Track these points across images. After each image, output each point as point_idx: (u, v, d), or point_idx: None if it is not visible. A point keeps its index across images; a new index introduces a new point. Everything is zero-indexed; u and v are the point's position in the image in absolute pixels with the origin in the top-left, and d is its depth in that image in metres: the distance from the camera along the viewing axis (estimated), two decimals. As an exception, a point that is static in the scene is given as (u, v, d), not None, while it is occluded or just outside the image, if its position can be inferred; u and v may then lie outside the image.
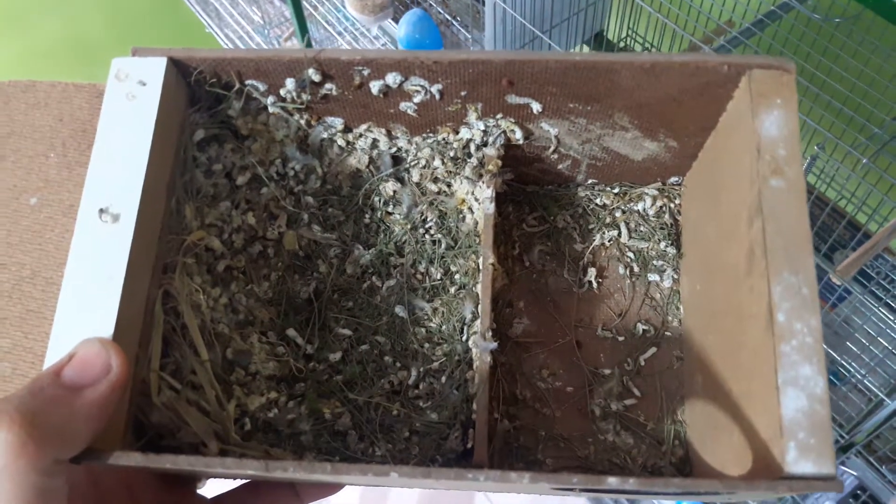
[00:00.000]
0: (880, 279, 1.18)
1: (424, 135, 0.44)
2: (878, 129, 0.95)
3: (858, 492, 1.13)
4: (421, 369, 0.42)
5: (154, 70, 0.36)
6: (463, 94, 0.40)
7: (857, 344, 1.18)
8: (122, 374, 0.30)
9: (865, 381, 1.12)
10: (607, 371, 0.45)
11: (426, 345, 0.43)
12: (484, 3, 1.17)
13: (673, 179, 0.47)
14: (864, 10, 0.92)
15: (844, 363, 1.13)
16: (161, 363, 0.35)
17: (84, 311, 0.32)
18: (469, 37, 1.41)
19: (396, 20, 1.34)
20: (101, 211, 0.33)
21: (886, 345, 1.17)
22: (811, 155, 0.97)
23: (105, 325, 0.32)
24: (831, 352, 1.09)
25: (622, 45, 1.33)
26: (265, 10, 1.76)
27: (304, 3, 1.53)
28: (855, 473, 1.10)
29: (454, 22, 1.44)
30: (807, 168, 0.99)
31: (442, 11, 1.45)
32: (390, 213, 0.45)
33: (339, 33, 1.66)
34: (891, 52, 0.99)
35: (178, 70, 0.38)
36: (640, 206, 0.47)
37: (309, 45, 1.48)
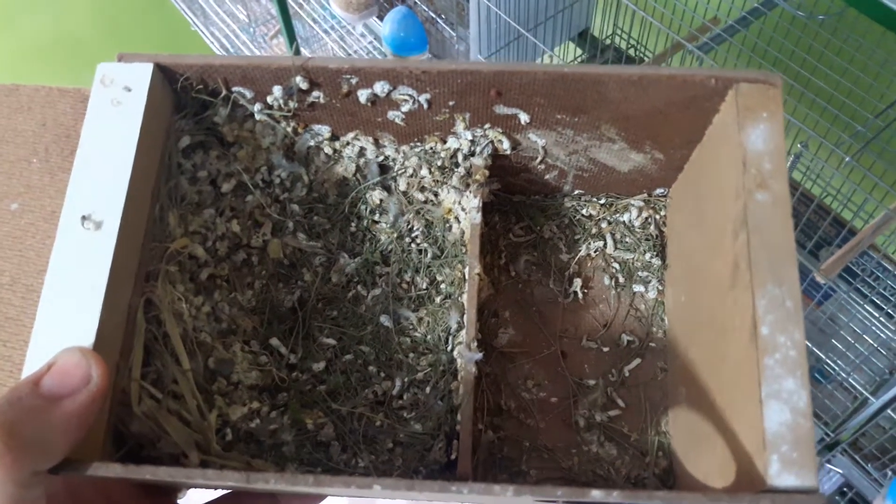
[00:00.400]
0: (865, 276, 1.19)
1: (412, 144, 0.44)
2: (861, 127, 0.96)
3: (845, 489, 1.14)
4: (405, 379, 0.42)
5: (140, 76, 0.36)
6: (451, 103, 0.40)
7: (843, 341, 1.19)
8: (103, 385, 0.30)
9: (850, 379, 1.13)
10: (592, 382, 0.45)
11: (411, 355, 0.43)
12: (469, 1, 1.17)
13: (659, 191, 0.47)
14: (848, 7, 0.93)
15: (830, 361, 1.14)
16: (142, 372, 0.35)
17: (64, 320, 0.32)
18: (454, 34, 1.41)
19: (381, 18, 1.34)
20: (84, 218, 0.33)
21: (871, 342, 1.18)
22: (795, 153, 0.98)
23: (86, 333, 0.31)
24: (816, 350, 1.10)
25: (608, 41, 1.34)
26: (251, 9, 1.75)
27: (290, 1, 1.53)
28: (841, 471, 1.11)
29: (439, 20, 1.44)
30: (791, 166, 1.00)
31: (427, 9, 1.45)
32: (376, 222, 0.45)
33: (325, 31, 1.65)
34: (874, 49, 1.00)
35: (165, 76, 0.38)
36: (625, 218, 0.47)
37: (297, 51, 1.48)
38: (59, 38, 2.07)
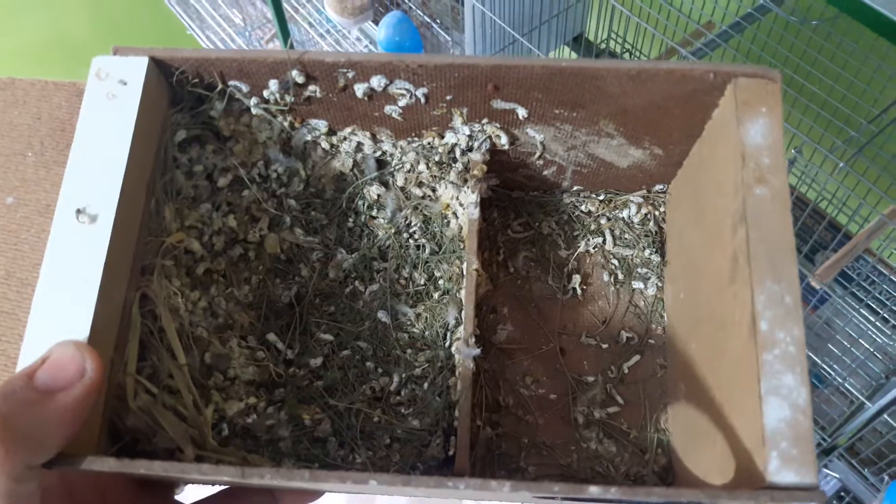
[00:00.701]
0: (861, 281, 1.19)
1: (409, 139, 0.43)
2: (854, 133, 0.96)
3: (842, 493, 1.14)
4: (403, 375, 0.42)
5: (135, 69, 0.36)
6: (448, 98, 0.40)
7: (839, 346, 1.19)
8: (97, 378, 0.30)
9: (846, 384, 1.13)
10: (591, 378, 0.44)
11: (409, 350, 0.42)
12: (463, 5, 1.17)
13: (658, 187, 0.47)
14: (842, 13, 0.93)
15: (826, 366, 1.13)
16: (138, 367, 0.35)
17: (59, 314, 0.31)
18: (449, 39, 1.41)
19: (376, 22, 1.34)
20: (79, 211, 0.33)
21: (867, 347, 1.18)
22: (789, 159, 0.98)
23: (80, 327, 0.31)
24: (812, 355, 1.10)
25: (603, 46, 1.34)
26: (246, 12, 1.75)
27: (286, 5, 1.53)
28: (838, 476, 1.11)
29: (434, 24, 1.44)
30: (789, 164, 1.00)
31: (422, 14, 1.45)
32: (374, 217, 0.45)
33: (321, 35, 1.65)
34: (868, 55, 1.00)
35: (160, 70, 0.37)
36: (624, 214, 0.47)
37: (292, 47, 1.48)
38: (55, 40, 2.07)
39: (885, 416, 0.96)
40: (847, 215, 1.12)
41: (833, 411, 1.14)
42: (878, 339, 1.18)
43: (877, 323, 1.18)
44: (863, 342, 1.19)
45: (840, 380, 1.13)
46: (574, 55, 1.43)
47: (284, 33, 1.43)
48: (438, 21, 1.45)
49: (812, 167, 1.00)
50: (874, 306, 1.18)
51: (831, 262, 0.91)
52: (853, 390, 1.11)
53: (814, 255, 1.21)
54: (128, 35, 2.10)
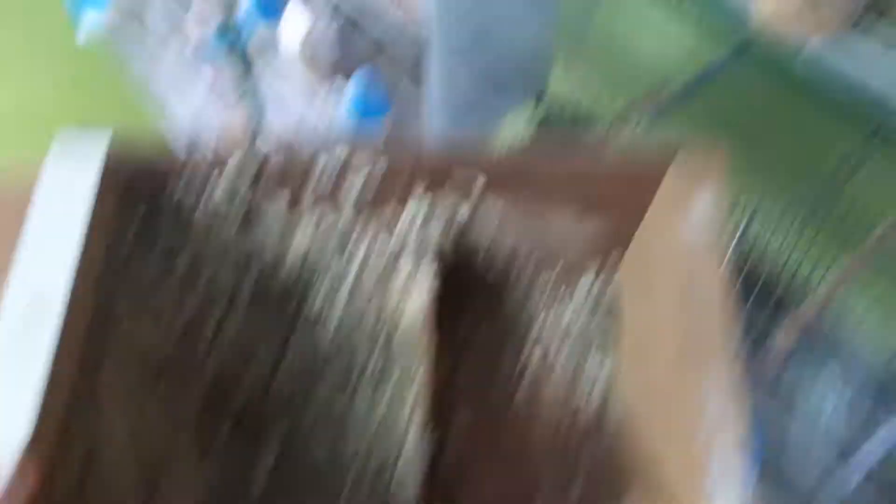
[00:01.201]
0: (823, 342, 1.20)
1: (369, 213, 0.43)
2: (808, 191, 0.98)
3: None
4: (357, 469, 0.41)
5: (94, 154, 0.36)
6: (407, 177, 0.40)
7: (803, 410, 1.19)
8: None
9: (815, 448, 1.13)
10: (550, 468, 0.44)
11: (363, 445, 0.42)
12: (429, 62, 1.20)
13: (610, 264, 0.47)
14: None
15: (791, 429, 1.14)
16: (80, 470, 0.33)
17: (2, 402, 0.31)
18: (416, 94, 1.44)
19: (347, 77, 1.37)
20: (29, 298, 0.32)
21: (833, 409, 1.18)
22: (741, 223, 0.99)
23: (24, 418, 0.30)
24: (774, 419, 1.10)
25: (566, 104, 1.37)
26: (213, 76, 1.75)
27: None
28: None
29: (402, 81, 1.47)
30: (741, 234, 1.01)
31: (389, 71, 1.47)
32: (332, 299, 0.44)
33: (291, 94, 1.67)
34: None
35: (120, 156, 0.37)
36: (577, 295, 0.47)
37: (260, 114, 1.49)
38: (17, 113, 2.04)
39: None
40: (804, 276, 1.13)
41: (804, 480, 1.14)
42: (842, 403, 1.19)
43: (841, 384, 1.19)
44: (828, 405, 1.19)
45: (807, 444, 1.13)
46: (539, 111, 1.46)
47: (251, 92, 1.45)
48: (405, 78, 1.47)
49: (767, 230, 1.02)
50: (839, 368, 1.19)
51: (795, 323, 0.92)
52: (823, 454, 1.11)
53: (775, 316, 1.22)
54: (91, 108, 2.06)
